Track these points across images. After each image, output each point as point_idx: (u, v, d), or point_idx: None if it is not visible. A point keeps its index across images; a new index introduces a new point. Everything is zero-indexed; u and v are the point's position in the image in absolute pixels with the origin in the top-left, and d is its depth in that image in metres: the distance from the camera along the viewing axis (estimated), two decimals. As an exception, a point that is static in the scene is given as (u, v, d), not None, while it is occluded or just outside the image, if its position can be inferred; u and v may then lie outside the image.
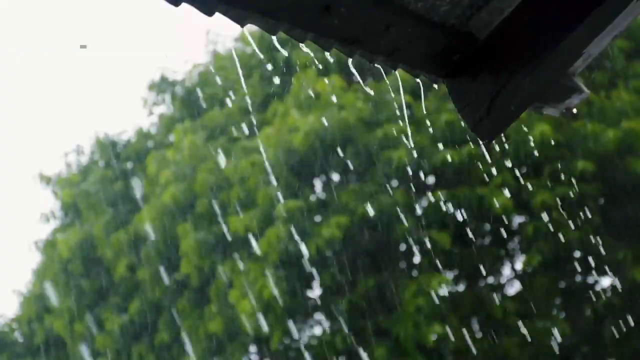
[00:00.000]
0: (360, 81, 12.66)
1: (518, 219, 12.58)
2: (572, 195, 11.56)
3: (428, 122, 12.04)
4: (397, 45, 2.07)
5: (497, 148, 11.41)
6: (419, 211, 12.10)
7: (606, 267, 12.16)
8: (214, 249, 12.56)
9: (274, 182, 12.03)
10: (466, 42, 2.23)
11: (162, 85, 16.01)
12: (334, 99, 12.16)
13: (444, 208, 11.70)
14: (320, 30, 1.91)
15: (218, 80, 14.69)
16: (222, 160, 12.60)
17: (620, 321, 11.61)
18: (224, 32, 15.75)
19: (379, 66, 2.15)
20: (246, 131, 13.22)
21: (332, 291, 12.14)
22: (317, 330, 13.05)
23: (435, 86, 2.37)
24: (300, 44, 2.00)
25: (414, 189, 11.83)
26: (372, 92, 12.29)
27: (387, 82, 11.74)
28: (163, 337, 13.52)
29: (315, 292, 12.80)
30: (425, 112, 12.01)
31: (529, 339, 11.64)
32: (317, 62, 12.06)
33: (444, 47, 2.21)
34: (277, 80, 13.95)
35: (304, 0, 1.83)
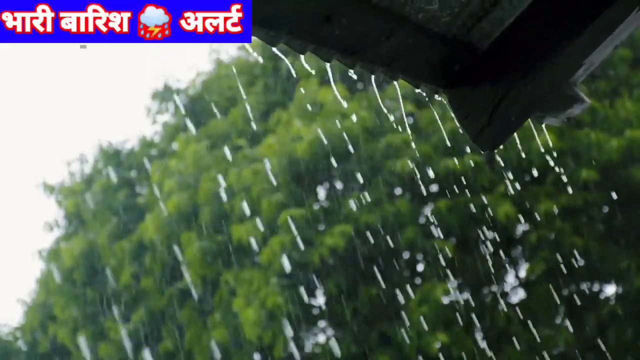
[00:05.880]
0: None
1: (522, 227, 12.55)
2: (575, 203, 11.55)
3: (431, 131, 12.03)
4: (397, 56, 2.07)
5: (501, 157, 11.39)
6: (422, 219, 12.09)
7: (610, 276, 12.14)
8: (218, 258, 12.54)
9: (277, 191, 12.01)
10: (467, 52, 2.23)
11: (165, 94, 15.99)
12: (336, 107, 12.15)
13: (447, 216, 11.68)
14: (321, 40, 1.91)
15: (221, 88, 14.68)
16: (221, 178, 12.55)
17: (624, 329, 11.58)
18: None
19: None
20: (249, 140, 13.22)
21: (336, 299, 12.11)
22: (321, 338, 13.03)
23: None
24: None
25: (417, 198, 11.82)
26: (374, 101, 12.28)
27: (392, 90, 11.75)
28: (167, 346, 13.50)
29: (319, 300, 12.78)
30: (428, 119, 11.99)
31: (533, 347, 11.61)
32: (320, 71, 12.02)
33: (445, 57, 2.21)
34: (280, 88, 13.92)
35: (304, 11, 1.82)
